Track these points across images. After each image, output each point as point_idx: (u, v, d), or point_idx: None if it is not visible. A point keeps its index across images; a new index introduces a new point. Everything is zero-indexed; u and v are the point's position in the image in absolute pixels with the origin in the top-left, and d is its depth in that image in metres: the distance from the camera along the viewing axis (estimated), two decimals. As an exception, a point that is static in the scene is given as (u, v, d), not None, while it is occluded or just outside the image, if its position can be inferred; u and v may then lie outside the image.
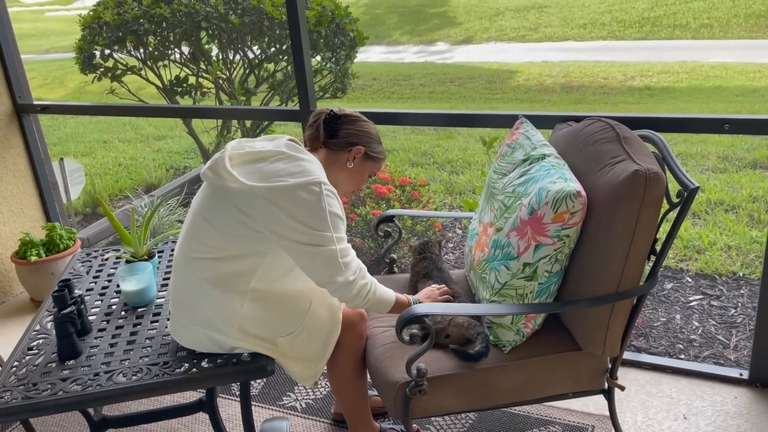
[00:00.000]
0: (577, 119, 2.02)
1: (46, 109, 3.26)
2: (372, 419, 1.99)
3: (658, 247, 1.67)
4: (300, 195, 1.56)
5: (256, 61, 4.51)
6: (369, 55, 12.11)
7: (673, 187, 1.61)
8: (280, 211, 1.56)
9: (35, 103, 3.26)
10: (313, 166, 1.64)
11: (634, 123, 1.92)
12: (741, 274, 3.19)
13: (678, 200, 1.60)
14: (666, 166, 1.69)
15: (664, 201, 1.60)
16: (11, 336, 2.89)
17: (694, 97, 7.64)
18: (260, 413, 2.24)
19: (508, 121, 2.20)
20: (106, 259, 2.31)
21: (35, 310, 3.10)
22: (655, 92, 7.98)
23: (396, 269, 2.29)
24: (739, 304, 2.92)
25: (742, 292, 3.03)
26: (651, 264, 1.70)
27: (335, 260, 1.58)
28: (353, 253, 1.65)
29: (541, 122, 2.10)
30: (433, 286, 1.93)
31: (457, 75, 9.85)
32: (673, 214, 1.64)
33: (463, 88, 9.06)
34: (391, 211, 2.27)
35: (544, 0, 15.67)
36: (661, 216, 1.61)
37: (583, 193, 1.57)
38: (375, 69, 10.59)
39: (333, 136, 1.77)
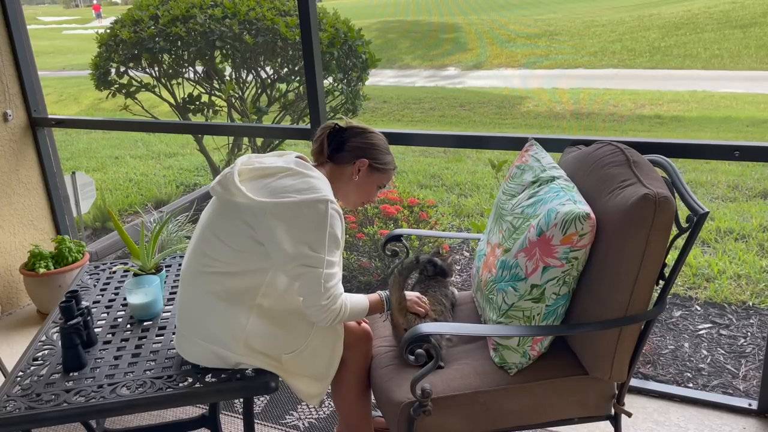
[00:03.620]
0: (587, 143, 2.02)
1: (60, 123, 3.30)
2: (375, 440, 1.97)
3: (666, 272, 1.66)
4: (305, 212, 1.57)
5: (269, 81, 4.56)
6: (380, 78, 12.24)
7: (683, 214, 1.60)
8: (284, 225, 1.56)
9: (50, 116, 3.30)
10: (321, 183, 1.64)
11: (643, 148, 1.93)
12: (751, 304, 3.16)
13: (687, 225, 1.60)
14: (675, 191, 1.68)
15: (674, 226, 1.59)
16: (17, 347, 2.89)
17: (704, 126, 7.65)
18: (263, 431, 2.22)
19: (517, 144, 2.20)
20: (114, 272, 2.32)
21: (42, 322, 3.11)
22: (665, 121, 8.00)
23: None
24: (749, 333, 2.88)
25: (751, 321, 3.00)
26: (660, 289, 1.68)
27: (318, 282, 1.59)
28: (338, 278, 1.65)
29: (550, 145, 2.11)
30: (418, 294, 1.90)
31: (467, 100, 9.92)
32: (682, 241, 1.63)
33: (472, 112, 9.12)
34: (398, 231, 2.27)
35: (555, 28, 15.83)
36: (670, 241, 1.61)
37: (593, 215, 1.57)
38: (386, 92, 10.69)
39: (338, 149, 1.78)
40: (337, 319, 1.65)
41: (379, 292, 1.83)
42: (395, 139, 2.52)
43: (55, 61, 15.41)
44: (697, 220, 1.56)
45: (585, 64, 12.31)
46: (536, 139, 2.08)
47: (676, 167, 1.77)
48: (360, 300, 1.74)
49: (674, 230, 1.62)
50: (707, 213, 1.56)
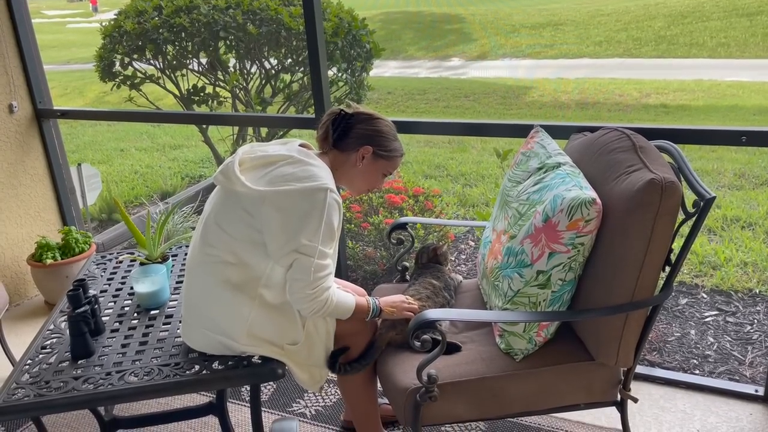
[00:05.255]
0: (593, 129, 2.01)
1: (65, 114, 3.30)
2: (382, 427, 1.98)
3: (673, 258, 1.66)
4: (303, 200, 1.56)
5: (273, 71, 4.55)
6: (384, 69, 12.19)
7: (689, 201, 1.60)
8: (281, 212, 1.56)
9: (55, 108, 3.30)
10: (322, 171, 1.63)
11: (650, 134, 1.92)
12: (757, 291, 3.15)
13: (694, 210, 1.59)
14: (682, 177, 1.68)
15: (680, 212, 1.59)
16: (25, 338, 2.91)
17: (710, 115, 7.61)
18: (270, 419, 2.23)
19: (523, 132, 2.20)
20: (121, 262, 2.33)
21: (49, 313, 3.12)
22: (671, 110, 7.95)
23: (408, 277, 2.28)
24: (755, 320, 2.88)
25: (758, 308, 2.99)
26: (666, 274, 1.68)
27: (308, 271, 1.58)
28: (329, 270, 1.63)
29: (556, 132, 2.10)
30: (404, 297, 1.88)
31: (472, 90, 9.87)
32: (688, 229, 1.62)
33: (477, 103, 9.08)
34: (404, 219, 2.27)
35: (559, 18, 15.74)
36: (676, 226, 1.60)
37: (598, 200, 1.56)
38: (390, 83, 10.66)
39: (343, 136, 1.76)
40: (320, 311, 1.64)
41: (367, 297, 1.81)
42: (400, 127, 2.50)
43: (59, 55, 15.41)
44: (704, 205, 1.56)
45: (590, 54, 12.24)
46: (542, 126, 2.08)
47: (682, 152, 1.76)
48: (347, 299, 1.71)
49: (681, 216, 1.62)
50: (714, 198, 1.55)
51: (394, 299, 1.84)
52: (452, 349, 1.77)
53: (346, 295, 1.73)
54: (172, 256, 2.33)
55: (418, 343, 1.64)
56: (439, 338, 1.63)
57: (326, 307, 1.64)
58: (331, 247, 1.63)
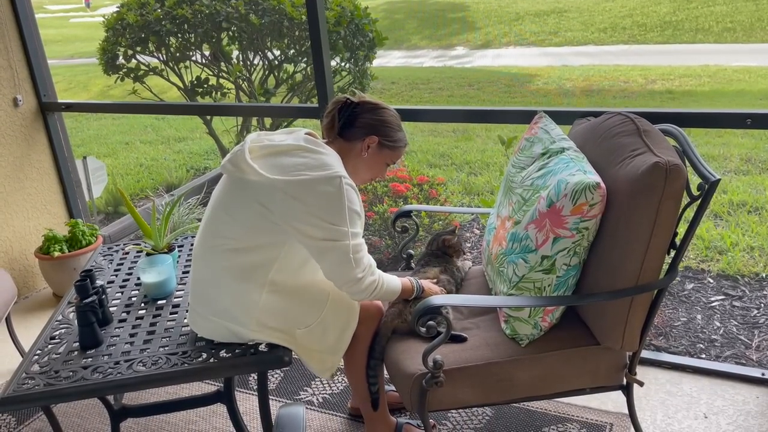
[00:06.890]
0: (596, 114, 2.01)
1: (69, 107, 3.31)
2: (389, 414, 1.99)
3: (678, 241, 1.66)
4: (320, 189, 1.57)
5: (276, 62, 4.55)
6: (388, 59, 12.16)
7: (694, 186, 1.59)
8: (299, 203, 1.57)
9: (59, 101, 3.31)
10: (332, 159, 1.64)
11: (654, 117, 1.91)
12: (764, 275, 3.14)
13: (699, 193, 1.59)
14: (686, 160, 1.67)
15: (685, 196, 1.58)
16: (34, 330, 2.93)
17: (716, 100, 7.56)
18: (277, 407, 2.24)
19: (527, 118, 2.19)
20: (127, 253, 2.34)
21: (58, 304, 3.15)
22: (677, 96, 7.90)
23: (413, 265, 2.28)
24: (762, 304, 2.87)
25: (764, 292, 2.98)
26: (671, 258, 1.68)
27: (347, 255, 1.60)
28: (365, 249, 1.67)
29: (560, 118, 2.10)
30: (438, 288, 1.92)
31: (476, 79, 9.83)
32: (693, 212, 1.62)
33: (481, 91, 9.04)
34: (408, 207, 2.27)
35: (564, 4, 15.63)
36: (681, 209, 1.60)
37: (603, 184, 1.56)
38: (394, 73, 10.62)
39: (349, 125, 1.76)
40: (375, 290, 1.67)
41: (409, 278, 1.84)
42: (405, 115, 2.51)
43: (63, 50, 15.41)
44: (709, 187, 1.55)
45: (595, 41, 12.17)
46: (545, 112, 2.07)
47: (686, 135, 1.75)
48: (394, 281, 1.76)
49: (686, 200, 1.61)
50: (718, 180, 1.55)
51: (430, 285, 1.89)
52: (458, 339, 1.77)
53: (393, 276, 1.77)
54: (178, 246, 2.34)
55: (423, 329, 1.65)
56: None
57: (379, 286, 1.68)
58: (359, 227, 1.65)
